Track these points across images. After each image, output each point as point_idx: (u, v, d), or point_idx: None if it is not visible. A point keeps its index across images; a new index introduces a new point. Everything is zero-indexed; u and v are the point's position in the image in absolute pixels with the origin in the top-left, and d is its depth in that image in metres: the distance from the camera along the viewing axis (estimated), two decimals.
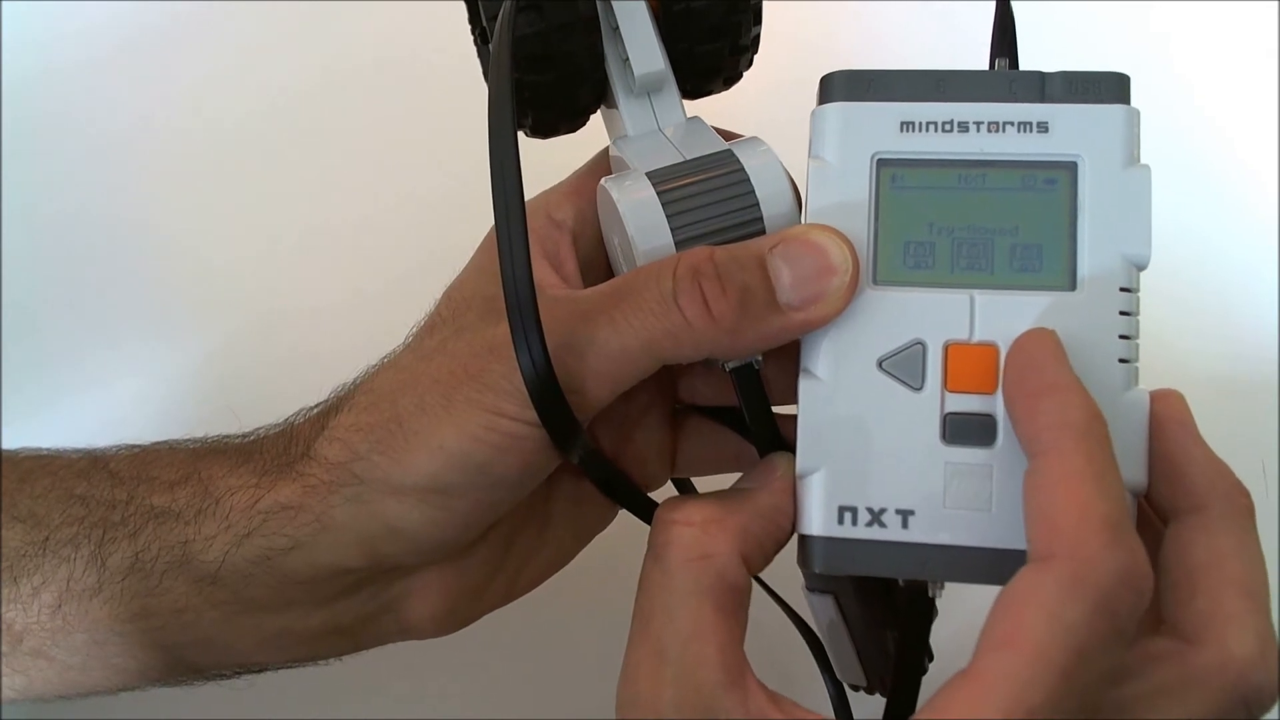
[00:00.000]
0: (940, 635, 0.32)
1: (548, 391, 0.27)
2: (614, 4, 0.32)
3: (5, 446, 0.36)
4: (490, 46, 0.31)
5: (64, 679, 0.34)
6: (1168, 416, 0.27)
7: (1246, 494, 0.27)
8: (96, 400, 0.54)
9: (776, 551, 0.28)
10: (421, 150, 0.57)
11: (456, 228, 0.56)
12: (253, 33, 0.60)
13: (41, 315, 0.55)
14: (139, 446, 0.35)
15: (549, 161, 0.35)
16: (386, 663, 0.37)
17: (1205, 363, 0.50)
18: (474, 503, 0.30)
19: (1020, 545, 0.26)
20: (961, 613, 0.39)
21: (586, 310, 0.28)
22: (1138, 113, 0.28)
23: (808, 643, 0.35)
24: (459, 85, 0.55)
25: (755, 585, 0.36)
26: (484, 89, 0.39)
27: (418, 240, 0.56)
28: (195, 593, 0.32)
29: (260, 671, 0.35)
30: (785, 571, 0.36)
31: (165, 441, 0.35)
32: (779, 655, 0.34)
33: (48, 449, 0.36)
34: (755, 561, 0.28)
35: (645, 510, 0.32)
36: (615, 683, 0.28)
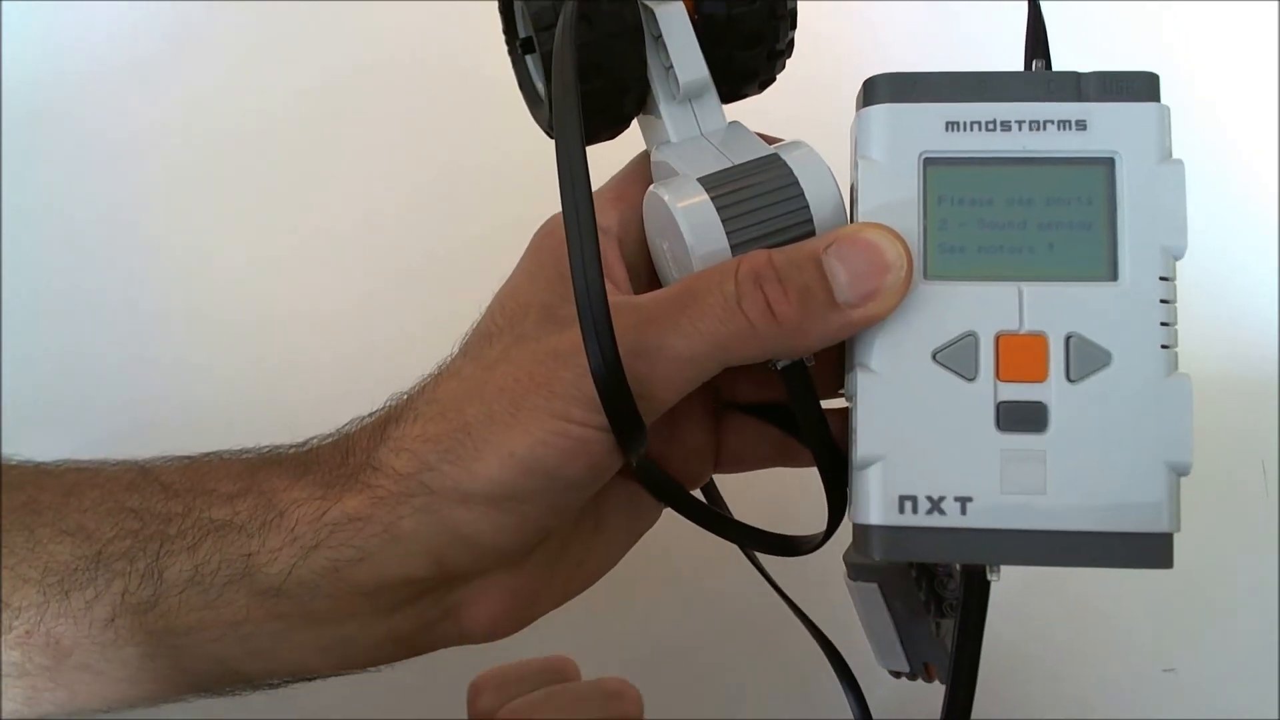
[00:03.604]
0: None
1: (618, 395, 0.28)
2: (657, 14, 0.32)
3: (39, 459, 0.36)
4: (544, 56, 0.31)
5: (110, 692, 0.34)
6: None
7: None
8: (105, 408, 0.54)
9: None
10: (428, 153, 0.58)
11: (463, 229, 0.57)
12: (252, 41, 0.61)
13: (44, 320, 0.55)
14: (188, 458, 0.35)
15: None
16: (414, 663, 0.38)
17: (1205, 363, 0.51)
18: (543, 507, 0.31)
19: (1076, 527, 0.28)
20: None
21: (652, 316, 0.29)
22: (1169, 110, 0.29)
23: (820, 644, 0.36)
24: (461, 90, 0.55)
25: (766, 589, 0.38)
26: (488, 91, 0.39)
27: (424, 242, 0.56)
28: (256, 605, 0.32)
29: (311, 680, 0.35)
30: (793, 572, 0.37)
31: (215, 453, 0.35)
32: (797, 662, 0.35)
33: (89, 461, 0.36)
34: None
35: (693, 510, 0.34)
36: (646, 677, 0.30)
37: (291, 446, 0.34)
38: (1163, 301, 0.28)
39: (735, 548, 0.37)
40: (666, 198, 0.31)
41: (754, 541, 0.36)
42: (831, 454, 0.32)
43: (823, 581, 0.36)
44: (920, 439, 0.28)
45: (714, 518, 0.35)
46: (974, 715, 0.35)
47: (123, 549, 0.32)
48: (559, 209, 0.35)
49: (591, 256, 0.28)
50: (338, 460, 0.33)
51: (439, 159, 0.58)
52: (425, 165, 0.58)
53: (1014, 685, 0.47)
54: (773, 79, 0.35)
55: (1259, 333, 0.52)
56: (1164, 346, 0.28)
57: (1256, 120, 0.56)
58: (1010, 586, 0.47)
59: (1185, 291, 0.51)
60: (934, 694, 0.34)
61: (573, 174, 0.28)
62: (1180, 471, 0.28)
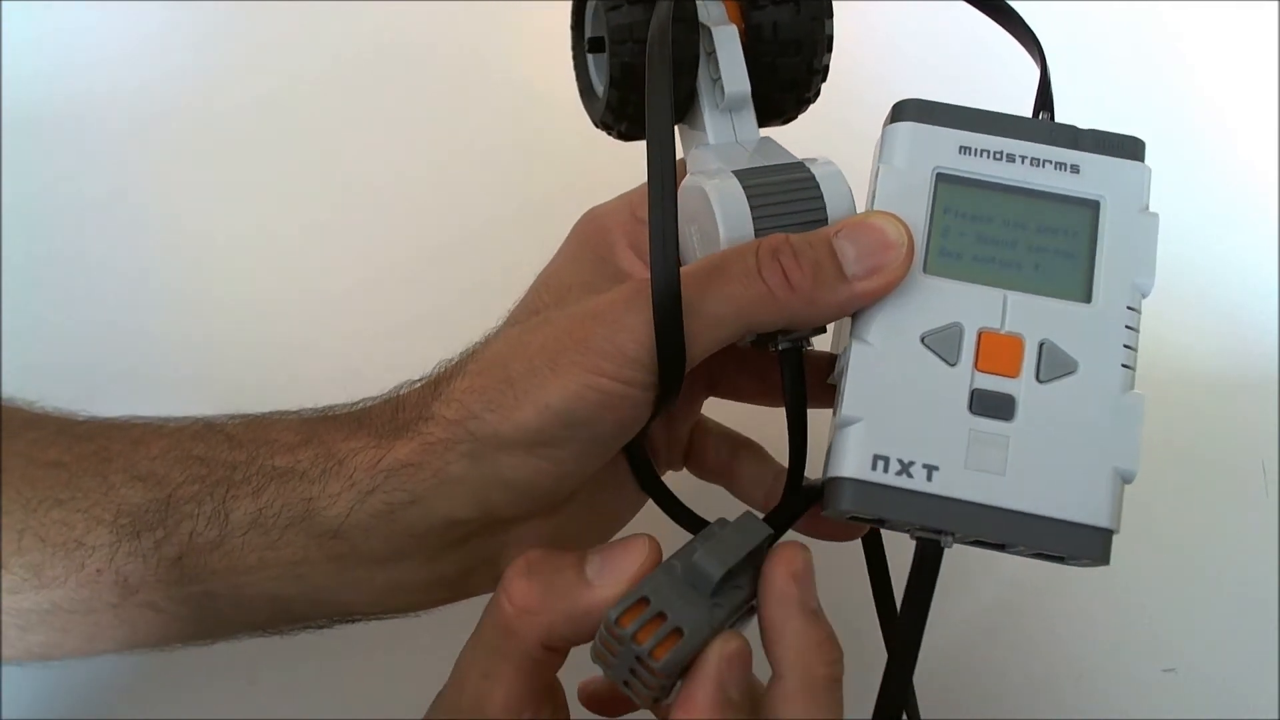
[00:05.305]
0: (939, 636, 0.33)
1: (672, 329, 0.31)
2: (713, 32, 0.37)
3: (103, 415, 0.39)
4: (617, 64, 0.36)
5: (168, 629, 0.36)
6: (771, 590, 0.31)
7: (829, 662, 0.30)
8: (122, 392, 0.54)
9: (578, 643, 0.32)
10: (452, 133, 0.60)
11: (481, 210, 0.57)
12: (273, 18, 0.64)
13: (58, 300, 0.56)
14: (251, 415, 0.37)
15: (606, 178, 0.40)
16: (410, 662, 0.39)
17: (1205, 362, 0.52)
18: (575, 454, 0.33)
19: (1026, 508, 0.31)
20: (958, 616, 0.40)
21: (684, 282, 0.32)
22: (1150, 170, 0.34)
23: None
24: (486, 73, 0.57)
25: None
26: (512, 75, 0.41)
27: (446, 223, 0.58)
28: (315, 546, 0.34)
29: (355, 621, 0.38)
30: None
31: (275, 411, 0.37)
32: None
33: (153, 416, 0.38)
34: (556, 648, 0.31)
35: (661, 496, 0.38)
36: None
37: (344, 406, 0.37)
38: (1128, 328, 0.32)
39: None
40: (705, 185, 0.34)
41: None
42: (804, 435, 0.35)
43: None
44: (900, 407, 0.31)
45: (678, 508, 0.38)
46: (973, 716, 0.36)
47: (191, 493, 0.35)
48: (565, 198, 0.39)
49: (670, 202, 0.31)
50: (388, 416, 0.35)
51: (462, 140, 0.60)
52: (443, 147, 0.60)
53: (1013, 685, 0.47)
54: (807, 100, 0.39)
55: (1259, 332, 0.53)
56: (1124, 366, 0.32)
57: (1257, 120, 0.58)
58: (1009, 586, 0.49)
59: (1186, 291, 0.53)
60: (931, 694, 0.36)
61: (660, 127, 0.31)
62: (1126, 479, 0.31)
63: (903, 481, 0.31)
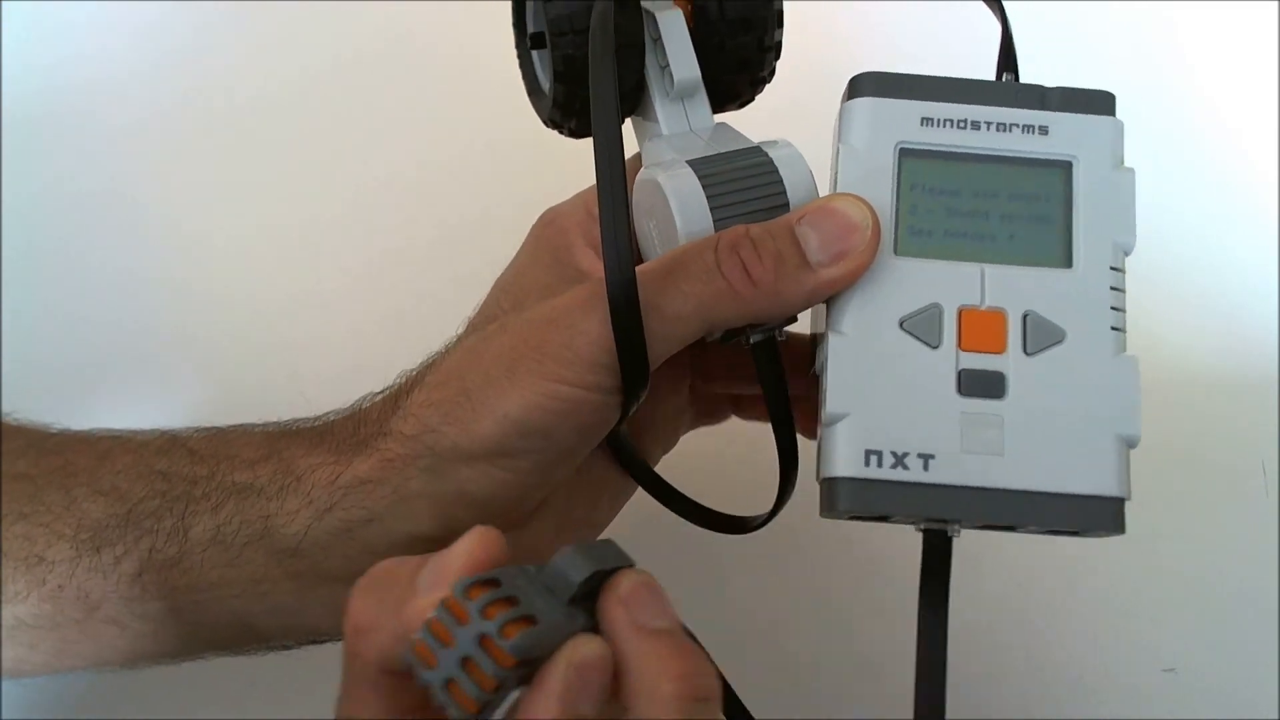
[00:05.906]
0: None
1: (631, 329, 0.30)
2: (657, 16, 0.35)
3: (72, 428, 0.38)
4: (559, 56, 0.34)
5: (134, 646, 0.35)
6: (603, 621, 0.26)
7: (676, 677, 0.25)
8: (112, 389, 0.54)
9: None
10: (433, 136, 0.60)
11: (461, 212, 0.57)
12: (265, 19, 0.63)
13: (53, 299, 0.56)
14: (215, 428, 0.37)
15: (566, 176, 0.39)
16: None
17: (1205, 362, 0.52)
18: (538, 464, 0.32)
19: (1031, 487, 0.29)
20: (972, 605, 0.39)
21: (642, 280, 0.31)
22: (1122, 124, 0.32)
23: None
24: (469, 75, 0.56)
25: (764, 590, 0.39)
26: (495, 77, 0.41)
27: (427, 223, 0.58)
28: (274, 564, 0.33)
29: (323, 642, 0.36)
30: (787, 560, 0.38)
31: (240, 425, 0.37)
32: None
33: (122, 429, 0.37)
34: (398, 670, 0.26)
35: (651, 483, 0.37)
36: None
37: (309, 419, 0.36)
38: (1113, 289, 0.31)
39: (740, 549, 0.39)
40: (659, 178, 0.33)
41: (703, 518, 0.38)
42: (790, 429, 0.34)
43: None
44: (886, 398, 0.30)
45: (670, 493, 0.37)
46: (972, 716, 0.35)
47: (151, 508, 0.34)
48: (556, 196, 0.37)
49: (619, 194, 0.29)
50: (350, 430, 0.35)
51: (462, 139, 0.59)
52: (444, 146, 0.60)
53: (1013, 685, 0.46)
54: (761, 80, 0.37)
55: (1259, 332, 0.53)
56: (1114, 329, 0.31)
57: (1257, 120, 0.58)
58: (1008, 585, 0.48)
59: (1186, 290, 0.52)
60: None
61: (605, 117, 0.30)
62: (1130, 444, 0.30)
63: (899, 474, 0.30)
